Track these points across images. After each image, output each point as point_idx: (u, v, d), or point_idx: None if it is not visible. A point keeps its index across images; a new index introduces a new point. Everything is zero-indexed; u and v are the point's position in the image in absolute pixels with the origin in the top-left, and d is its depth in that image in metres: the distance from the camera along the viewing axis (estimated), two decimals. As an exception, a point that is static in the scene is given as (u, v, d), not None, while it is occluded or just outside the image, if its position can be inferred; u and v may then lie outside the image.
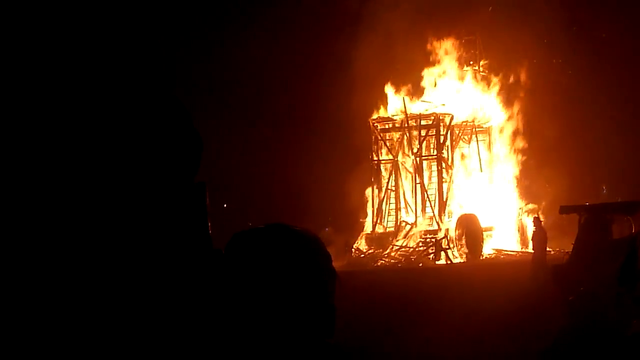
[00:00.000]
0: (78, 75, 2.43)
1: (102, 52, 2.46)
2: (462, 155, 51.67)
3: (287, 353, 2.35)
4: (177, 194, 2.49)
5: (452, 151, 50.57)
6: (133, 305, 2.48)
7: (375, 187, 51.42)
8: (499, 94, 52.74)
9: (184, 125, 2.50)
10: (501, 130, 52.83)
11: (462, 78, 52.98)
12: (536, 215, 32.54)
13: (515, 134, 52.92)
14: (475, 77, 52.99)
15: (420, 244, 47.75)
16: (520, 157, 52.95)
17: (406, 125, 50.47)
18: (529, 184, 52.26)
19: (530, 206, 50.46)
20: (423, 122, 50.27)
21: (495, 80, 52.92)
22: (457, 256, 46.04)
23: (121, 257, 2.43)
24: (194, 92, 46.78)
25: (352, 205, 51.74)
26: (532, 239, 31.02)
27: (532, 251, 30.42)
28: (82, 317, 2.41)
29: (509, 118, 52.85)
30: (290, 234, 2.47)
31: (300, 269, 2.42)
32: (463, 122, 51.02)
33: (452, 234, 46.98)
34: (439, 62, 52.94)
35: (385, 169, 51.60)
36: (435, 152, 50.33)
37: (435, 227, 48.59)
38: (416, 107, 51.06)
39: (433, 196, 49.83)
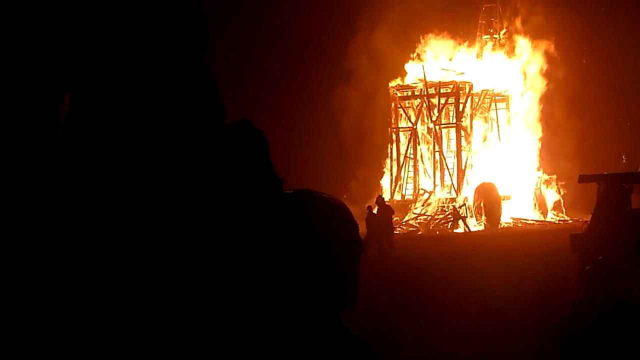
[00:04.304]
0: (102, 31, 2.41)
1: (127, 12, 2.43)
2: (482, 123, 51.51)
3: (305, 318, 2.35)
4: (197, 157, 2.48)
5: (471, 119, 50.42)
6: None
7: (394, 154, 51.34)
8: (518, 62, 52.43)
9: (208, 91, 2.48)
10: (520, 99, 52.58)
11: (482, 46, 52.71)
12: (380, 194, 31.62)
13: (534, 102, 52.65)
14: (495, 45, 52.69)
15: (439, 212, 47.72)
16: (539, 125, 52.71)
17: (425, 93, 50.31)
18: (548, 153, 52.06)
19: (548, 176, 50.35)
20: (442, 90, 50.11)
21: (515, 48, 52.60)
22: (475, 224, 46.00)
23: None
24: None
25: (371, 173, 51.70)
26: (368, 219, 28.25)
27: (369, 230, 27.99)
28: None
29: (529, 87, 52.57)
30: (319, 200, 2.46)
31: (327, 236, 2.41)
32: (482, 90, 50.82)
33: (470, 202, 46.95)
34: (459, 30, 52.67)
35: (405, 137, 51.50)
36: (454, 120, 50.19)
37: (454, 195, 48.55)
38: (436, 75, 50.86)
39: (452, 164, 49.76)
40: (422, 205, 48.78)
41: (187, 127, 2.45)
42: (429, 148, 50.82)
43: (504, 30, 52.86)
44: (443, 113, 50.37)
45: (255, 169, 2.58)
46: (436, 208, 48.18)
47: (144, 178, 2.40)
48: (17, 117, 2.37)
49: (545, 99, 52.45)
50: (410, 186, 50.48)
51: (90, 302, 2.33)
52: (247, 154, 2.63)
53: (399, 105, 51.27)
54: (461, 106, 49.88)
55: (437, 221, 47.02)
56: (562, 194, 49.66)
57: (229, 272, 2.46)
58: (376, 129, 51.16)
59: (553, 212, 49.63)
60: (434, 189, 49.57)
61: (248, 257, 2.42)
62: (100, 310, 2.32)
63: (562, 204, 49.55)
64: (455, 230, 45.68)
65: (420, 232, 45.37)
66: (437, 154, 50.10)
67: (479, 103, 50.93)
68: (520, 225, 47.20)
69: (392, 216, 29.80)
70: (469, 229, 45.34)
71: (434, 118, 50.20)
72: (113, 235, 2.37)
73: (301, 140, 51.76)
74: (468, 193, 48.02)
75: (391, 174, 51.13)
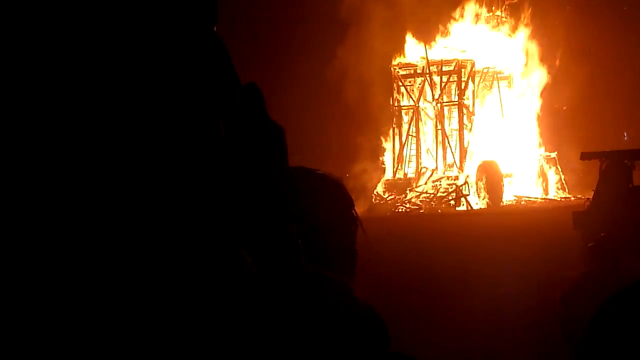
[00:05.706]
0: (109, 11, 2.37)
1: None
2: (484, 101, 51.44)
3: (303, 290, 2.34)
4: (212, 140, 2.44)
5: (474, 97, 50.35)
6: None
7: (396, 133, 51.30)
8: (520, 39, 52.30)
9: (222, 67, 2.43)
10: (523, 77, 52.47)
11: (484, 23, 52.56)
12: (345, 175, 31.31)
13: (536, 80, 52.55)
14: (497, 22, 52.55)
15: (441, 190, 47.75)
16: (541, 103, 52.63)
17: (427, 71, 50.22)
18: (550, 130, 52.02)
19: (550, 154, 50.35)
20: (444, 68, 50.02)
21: (516, 25, 52.47)
22: (477, 202, 46.04)
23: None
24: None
25: (373, 151, 51.66)
26: None
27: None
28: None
29: (531, 64, 52.45)
30: (314, 177, 2.45)
31: (323, 212, 2.41)
32: (484, 68, 50.71)
33: (473, 180, 46.98)
34: (461, 7, 52.50)
35: (407, 115, 51.46)
36: (456, 98, 50.12)
37: (456, 173, 48.55)
38: (437, 53, 50.75)
39: (454, 142, 49.73)
40: (424, 183, 48.79)
41: (198, 105, 2.40)
42: (431, 126, 50.76)
43: (505, 7, 52.68)
44: (445, 91, 50.29)
45: (254, 125, 2.53)
46: (438, 186, 48.19)
47: (153, 161, 2.37)
48: (19, 115, 2.33)
49: (547, 76, 52.33)
50: (413, 164, 50.47)
51: (93, 291, 2.29)
52: (245, 113, 2.57)
53: (400, 83, 51.18)
54: (463, 84, 49.80)
55: (439, 199, 47.06)
56: (560, 171, 49.63)
57: (237, 248, 2.44)
58: (378, 106, 51.05)
59: (556, 190, 49.64)
60: (436, 167, 49.56)
61: (253, 234, 2.40)
62: (103, 299, 2.29)
63: (563, 181, 49.56)
64: (457, 208, 45.72)
65: (422, 210, 45.42)
66: (439, 132, 50.04)
67: (481, 81, 50.84)
68: (522, 202, 47.21)
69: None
70: (471, 206, 45.36)
71: (436, 96, 50.14)
72: (114, 225, 2.34)
73: (300, 115, 51.67)
74: (470, 171, 48.02)
75: (393, 152, 51.11)
